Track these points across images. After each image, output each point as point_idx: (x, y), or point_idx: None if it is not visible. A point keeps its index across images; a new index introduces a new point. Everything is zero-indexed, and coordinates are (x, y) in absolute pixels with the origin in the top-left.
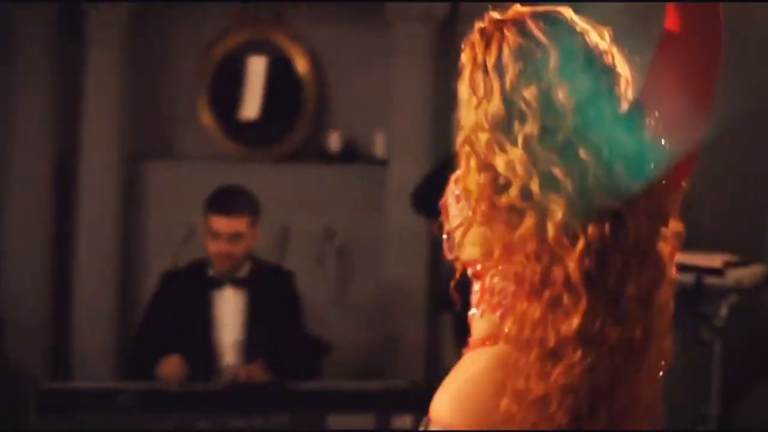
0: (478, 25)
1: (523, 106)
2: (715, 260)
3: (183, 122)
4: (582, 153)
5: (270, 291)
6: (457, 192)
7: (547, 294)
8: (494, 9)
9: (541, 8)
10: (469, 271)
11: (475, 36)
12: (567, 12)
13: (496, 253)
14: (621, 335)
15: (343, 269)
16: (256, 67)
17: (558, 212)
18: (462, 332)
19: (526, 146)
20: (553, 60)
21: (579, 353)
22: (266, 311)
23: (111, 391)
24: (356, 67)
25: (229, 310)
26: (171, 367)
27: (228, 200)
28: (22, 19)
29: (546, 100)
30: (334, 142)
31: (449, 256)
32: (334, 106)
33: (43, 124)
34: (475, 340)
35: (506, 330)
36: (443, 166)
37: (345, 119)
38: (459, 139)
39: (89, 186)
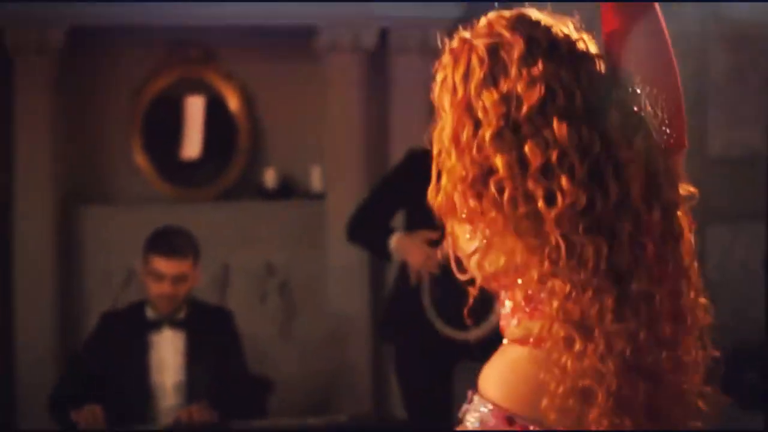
0: (449, 45)
1: (480, 113)
2: None
3: (117, 164)
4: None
5: (209, 331)
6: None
7: (579, 288)
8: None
9: (505, 12)
10: (491, 285)
11: (446, 57)
12: (530, 11)
13: (518, 258)
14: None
15: (286, 305)
16: (191, 107)
17: (559, 201)
18: (403, 362)
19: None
20: (517, 55)
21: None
22: (206, 351)
23: None
24: (289, 102)
25: (169, 352)
26: (88, 416)
27: (171, 242)
28: None
29: (508, 97)
30: (270, 178)
31: (463, 278)
32: (269, 142)
33: None
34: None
35: (551, 331)
36: (375, 194)
37: (280, 155)
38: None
39: (25, 232)
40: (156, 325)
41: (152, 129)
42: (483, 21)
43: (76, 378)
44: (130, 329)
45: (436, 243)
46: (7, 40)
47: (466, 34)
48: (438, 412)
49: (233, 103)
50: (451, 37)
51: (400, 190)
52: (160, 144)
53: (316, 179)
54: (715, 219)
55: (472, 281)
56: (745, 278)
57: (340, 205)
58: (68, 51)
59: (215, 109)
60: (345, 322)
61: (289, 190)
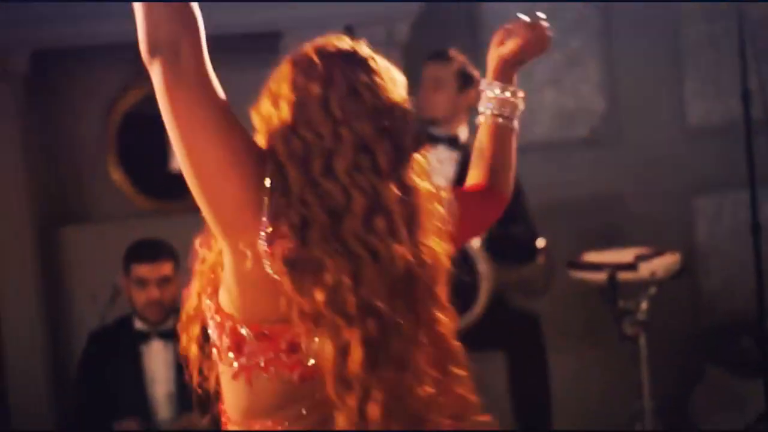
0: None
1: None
2: (626, 255)
3: (94, 183)
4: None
5: None
6: None
7: None
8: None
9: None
10: None
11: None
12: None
13: None
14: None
15: None
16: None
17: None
18: None
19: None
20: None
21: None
22: None
23: None
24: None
25: (159, 363)
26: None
27: (149, 248)
28: None
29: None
30: None
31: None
32: None
33: None
34: None
35: None
36: None
37: None
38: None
39: (6, 259)
40: (145, 337)
41: (127, 145)
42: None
43: (82, 403)
44: (120, 343)
45: None
46: None
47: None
48: None
49: None
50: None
51: None
52: (136, 159)
53: None
54: (701, 189)
55: (454, 275)
56: (734, 246)
57: None
58: (33, 75)
59: None
60: None
61: None
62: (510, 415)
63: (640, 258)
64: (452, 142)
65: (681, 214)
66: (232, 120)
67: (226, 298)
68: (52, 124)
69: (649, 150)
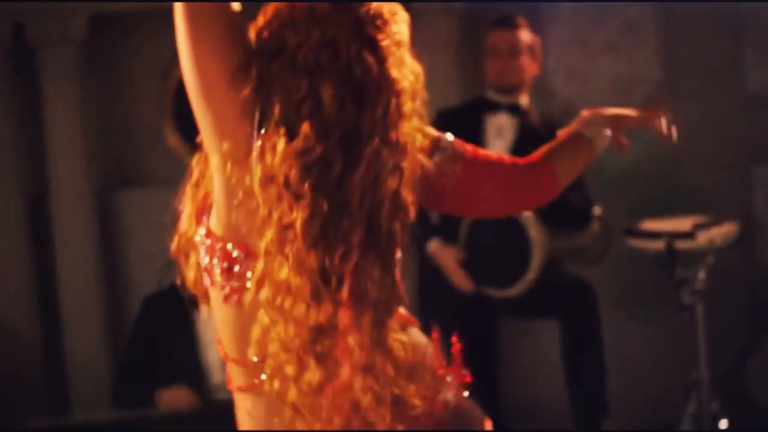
0: None
1: None
2: (684, 224)
3: (151, 147)
4: None
5: None
6: None
7: None
8: None
9: None
10: None
11: None
12: None
13: None
14: None
15: None
16: None
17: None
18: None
19: None
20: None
21: None
22: None
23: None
24: None
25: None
26: (176, 396)
27: None
28: None
29: None
30: None
31: None
32: None
33: (10, 168)
34: None
35: None
36: None
37: None
38: None
39: (63, 222)
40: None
41: (183, 110)
42: None
43: (132, 364)
44: (174, 308)
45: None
46: (28, 33)
47: None
48: (483, 365)
49: None
50: None
51: None
52: (192, 124)
53: None
54: (759, 158)
55: (505, 242)
56: None
57: None
58: (91, 39)
59: None
60: None
61: None
62: (564, 386)
63: (698, 226)
64: (513, 109)
65: (738, 183)
66: (238, 34)
67: (215, 221)
68: (109, 89)
69: (707, 118)
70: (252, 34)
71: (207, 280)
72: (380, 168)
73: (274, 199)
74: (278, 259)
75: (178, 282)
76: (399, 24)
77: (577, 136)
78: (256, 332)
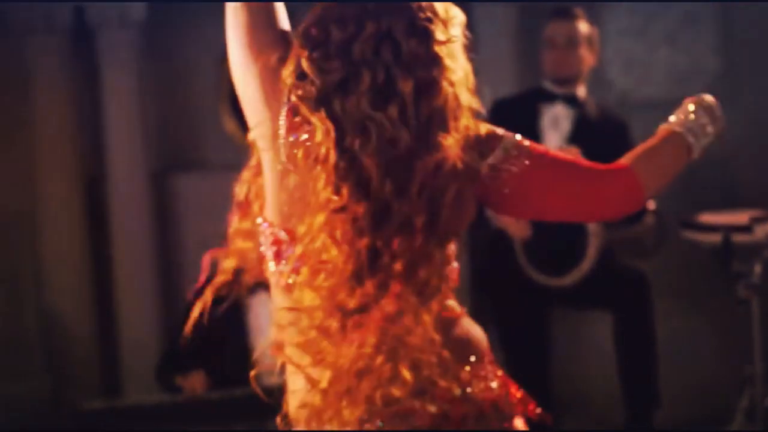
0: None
1: None
2: (741, 217)
3: (208, 131)
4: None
5: None
6: None
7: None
8: None
9: None
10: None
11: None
12: None
13: None
14: None
15: None
16: None
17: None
18: (500, 312)
19: None
20: None
21: None
22: None
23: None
24: None
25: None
26: (194, 381)
27: None
28: (33, 51)
29: None
30: None
31: None
32: None
33: (69, 150)
34: None
35: None
36: None
37: None
38: None
39: (120, 205)
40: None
41: None
42: None
43: (178, 347)
44: (224, 294)
45: None
46: (87, 17)
47: None
48: (535, 355)
49: None
50: None
51: None
52: None
53: None
54: None
55: (561, 231)
56: None
57: None
58: (150, 23)
59: None
60: None
61: None
62: (615, 377)
63: (756, 220)
64: (570, 100)
65: None
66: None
67: (268, 208)
68: (167, 73)
69: (764, 111)
70: (300, 30)
71: (268, 265)
72: (441, 158)
73: (326, 180)
74: (324, 240)
75: (235, 269)
76: (453, 20)
77: (674, 136)
78: (294, 316)
